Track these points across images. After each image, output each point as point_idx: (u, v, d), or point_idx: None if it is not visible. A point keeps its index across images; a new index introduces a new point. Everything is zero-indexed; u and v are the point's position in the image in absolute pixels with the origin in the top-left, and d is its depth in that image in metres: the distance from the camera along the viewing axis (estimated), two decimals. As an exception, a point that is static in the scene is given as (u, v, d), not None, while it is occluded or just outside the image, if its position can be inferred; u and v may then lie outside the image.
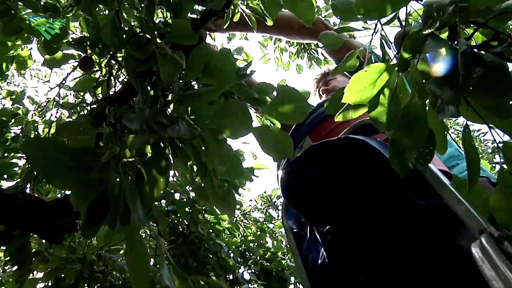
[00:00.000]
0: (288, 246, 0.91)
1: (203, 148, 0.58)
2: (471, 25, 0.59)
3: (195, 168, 0.62)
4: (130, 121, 0.63)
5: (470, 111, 0.57)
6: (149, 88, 0.79)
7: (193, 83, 0.77)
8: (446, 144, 0.70)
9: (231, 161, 0.57)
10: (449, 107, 0.51)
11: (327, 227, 0.81)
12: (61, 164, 0.54)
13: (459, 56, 0.46)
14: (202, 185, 0.60)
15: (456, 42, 0.58)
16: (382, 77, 0.54)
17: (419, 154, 0.61)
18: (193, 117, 0.63)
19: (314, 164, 0.75)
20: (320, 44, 1.28)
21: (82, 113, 1.67)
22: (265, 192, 3.10)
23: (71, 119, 1.69)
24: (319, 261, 0.83)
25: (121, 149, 0.64)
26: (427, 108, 0.60)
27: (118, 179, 0.58)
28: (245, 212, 2.75)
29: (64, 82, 1.47)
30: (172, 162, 0.60)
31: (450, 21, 0.55)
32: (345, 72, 1.66)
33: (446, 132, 0.69)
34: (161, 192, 0.57)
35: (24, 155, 1.64)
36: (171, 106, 0.69)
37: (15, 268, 1.37)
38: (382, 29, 0.81)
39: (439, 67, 0.52)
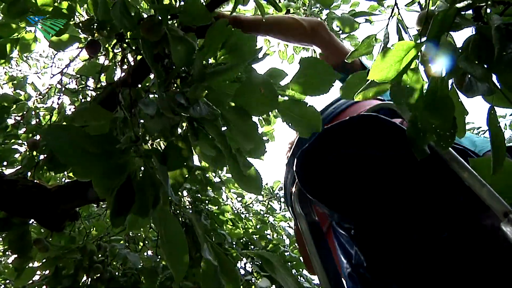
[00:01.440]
0: (302, 233, 0.88)
1: (226, 128, 0.56)
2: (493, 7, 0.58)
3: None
4: (146, 106, 0.61)
5: (495, 94, 0.56)
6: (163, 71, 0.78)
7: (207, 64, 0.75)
8: (465, 128, 0.69)
9: (256, 140, 0.56)
10: (479, 85, 0.50)
11: (352, 226, 0.76)
12: (86, 152, 0.53)
13: (493, 31, 0.45)
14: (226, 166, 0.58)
15: (479, 23, 0.57)
16: (408, 55, 0.53)
17: (441, 136, 0.60)
18: (212, 97, 0.61)
19: (332, 145, 0.72)
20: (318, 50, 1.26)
21: (84, 100, 1.65)
22: (266, 184, 3.06)
23: (74, 106, 1.66)
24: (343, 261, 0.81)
25: (141, 133, 0.62)
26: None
27: (140, 165, 0.57)
28: (246, 204, 2.74)
29: (66, 68, 1.44)
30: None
31: (479, 1, 0.54)
32: None
33: (465, 116, 0.68)
34: (186, 176, 0.56)
35: (25, 143, 1.61)
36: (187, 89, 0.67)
37: (13, 257, 1.35)
38: (399, 13, 0.80)
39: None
